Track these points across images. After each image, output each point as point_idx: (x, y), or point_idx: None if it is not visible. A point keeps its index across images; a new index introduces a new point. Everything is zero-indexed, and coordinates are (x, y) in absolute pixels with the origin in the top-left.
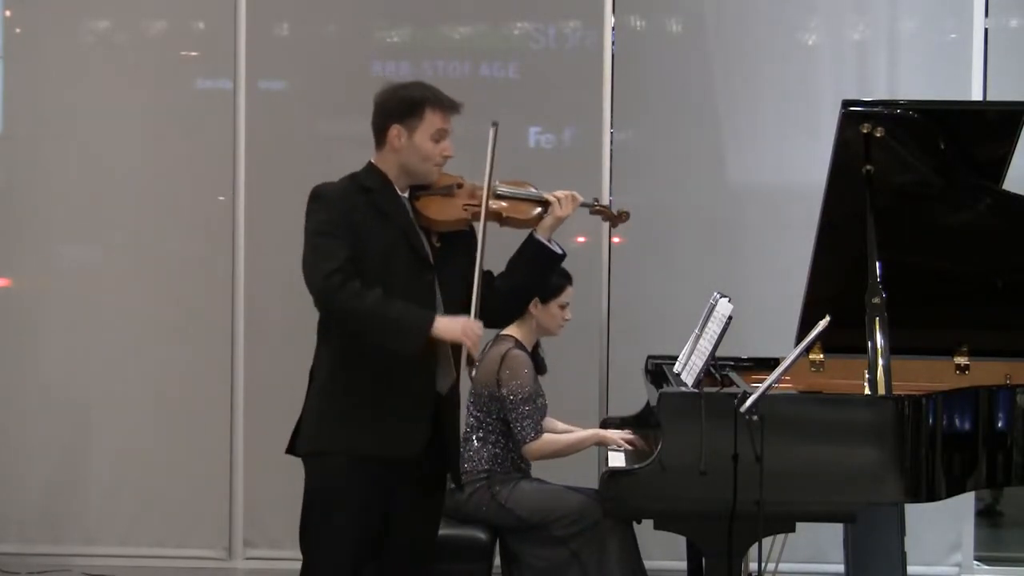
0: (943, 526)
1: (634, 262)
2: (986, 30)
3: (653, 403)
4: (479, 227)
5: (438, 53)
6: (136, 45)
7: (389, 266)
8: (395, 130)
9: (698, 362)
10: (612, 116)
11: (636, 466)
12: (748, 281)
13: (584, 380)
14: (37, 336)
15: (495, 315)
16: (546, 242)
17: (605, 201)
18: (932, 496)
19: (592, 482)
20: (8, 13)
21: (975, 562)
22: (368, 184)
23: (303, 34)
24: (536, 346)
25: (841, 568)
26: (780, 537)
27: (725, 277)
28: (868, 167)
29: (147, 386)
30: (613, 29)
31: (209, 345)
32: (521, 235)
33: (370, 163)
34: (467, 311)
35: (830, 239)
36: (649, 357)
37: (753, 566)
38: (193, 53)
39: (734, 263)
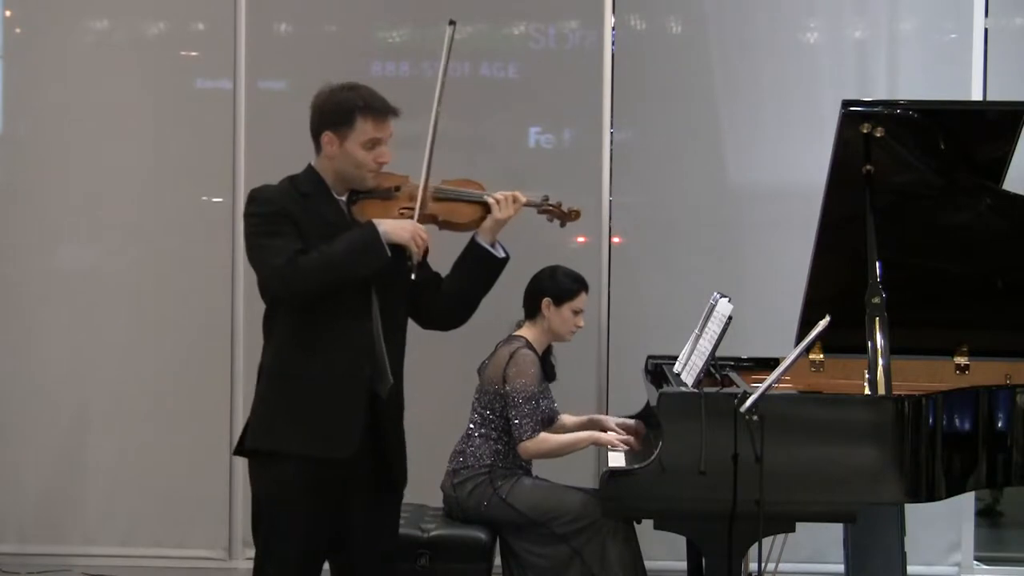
0: (943, 526)
1: (634, 262)
2: (986, 30)
3: (653, 403)
4: None
5: (438, 53)
6: (136, 45)
7: None
8: (327, 137)
9: (698, 362)
10: (612, 116)
11: (636, 466)
12: (748, 281)
13: (584, 380)
14: (37, 336)
15: (440, 319)
16: (488, 246)
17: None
18: (932, 496)
19: (591, 482)
20: (8, 13)
21: (975, 562)
22: (305, 189)
23: (303, 34)
24: (548, 351)
25: (841, 568)
26: (780, 537)
27: (725, 277)
28: (868, 167)
29: (147, 386)
30: (613, 29)
31: (209, 345)
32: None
33: (309, 166)
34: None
35: (830, 239)
36: (649, 357)
37: (753, 566)
38: (193, 53)
39: (734, 263)
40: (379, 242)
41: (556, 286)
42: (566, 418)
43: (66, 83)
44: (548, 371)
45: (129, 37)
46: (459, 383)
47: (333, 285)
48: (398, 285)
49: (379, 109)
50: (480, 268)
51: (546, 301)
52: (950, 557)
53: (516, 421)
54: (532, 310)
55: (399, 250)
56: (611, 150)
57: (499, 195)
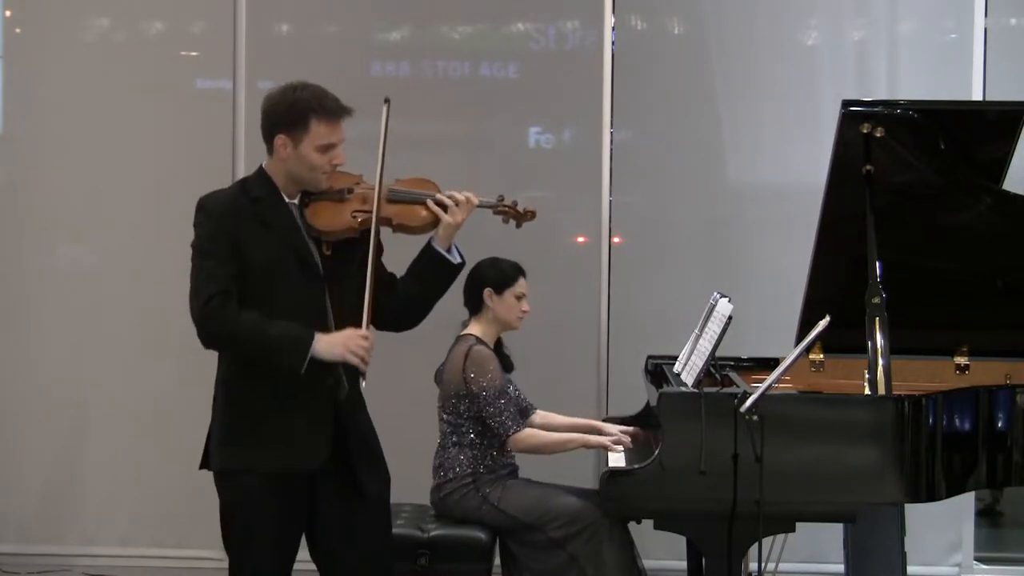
0: (943, 526)
1: (634, 262)
2: (986, 30)
3: (653, 403)
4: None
5: (438, 53)
6: (136, 45)
7: (275, 279)
8: (280, 139)
9: (698, 362)
10: (612, 116)
11: (636, 466)
12: (748, 281)
13: (584, 380)
14: (37, 336)
15: (395, 320)
16: (443, 251)
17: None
18: (932, 496)
19: (591, 482)
20: (8, 13)
21: (975, 562)
22: (255, 193)
23: (303, 34)
24: (499, 344)
25: (841, 568)
26: (780, 537)
27: (725, 277)
28: (868, 167)
29: (147, 386)
30: (613, 29)
31: None
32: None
33: (261, 168)
34: (359, 321)
35: (830, 239)
36: (649, 357)
37: (753, 566)
38: (193, 53)
39: (734, 263)
40: (302, 354)
41: (495, 274)
42: (555, 417)
43: (66, 83)
44: (505, 363)
45: (129, 37)
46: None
47: (235, 353)
48: (351, 289)
49: (333, 111)
50: (435, 273)
51: (488, 291)
52: (950, 557)
53: (497, 419)
54: (476, 304)
55: (350, 248)
56: (611, 150)
57: (455, 196)
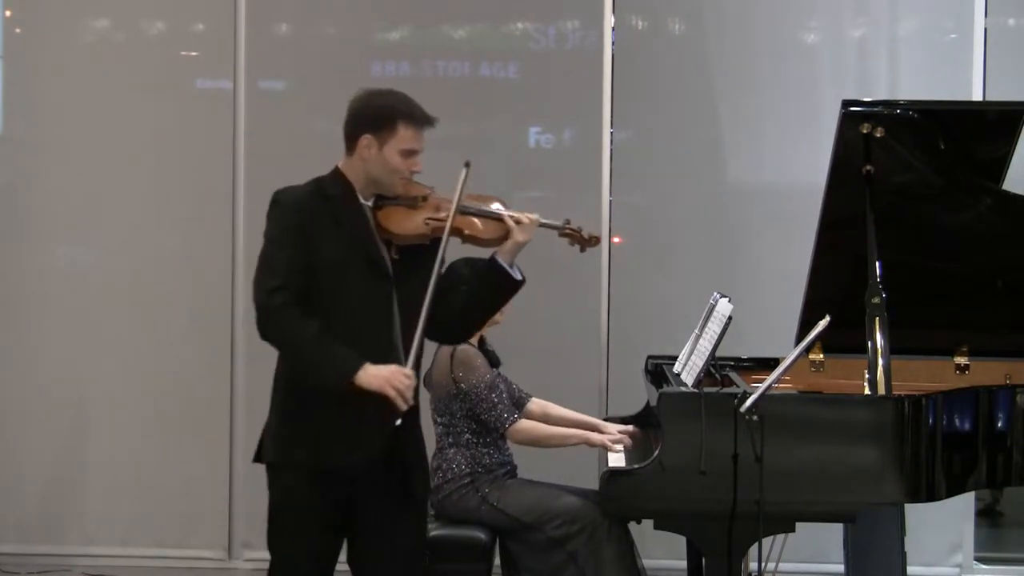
0: (943, 526)
1: (634, 262)
2: (986, 30)
3: (653, 403)
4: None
5: (438, 53)
6: (136, 45)
7: (344, 277)
8: (365, 140)
9: (698, 362)
10: (612, 116)
11: (636, 466)
12: (748, 281)
13: (584, 380)
14: (37, 336)
15: (449, 331)
16: (507, 267)
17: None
18: (932, 496)
19: (591, 482)
20: (8, 13)
21: (975, 562)
22: (330, 191)
23: (303, 34)
24: (482, 341)
25: (841, 568)
26: (780, 537)
27: (725, 277)
28: (868, 167)
29: (147, 386)
30: (613, 29)
31: (209, 344)
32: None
33: (336, 168)
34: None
35: (830, 239)
36: (649, 357)
37: (753, 566)
38: (193, 53)
39: (734, 263)
40: (350, 378)
41: (471, 274)
42: (553, 407)
43: (66, 83)
44: (491, 358)
45: (129, 37)
46: None
47: (286, 355)
48: (418, 292)
49: (420, 119)
50: (496, 287)
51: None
52: (951, 558)
53: (492, 414)
54: None
55: (417, 254)
56: (611, 150)
57: (521, 216)
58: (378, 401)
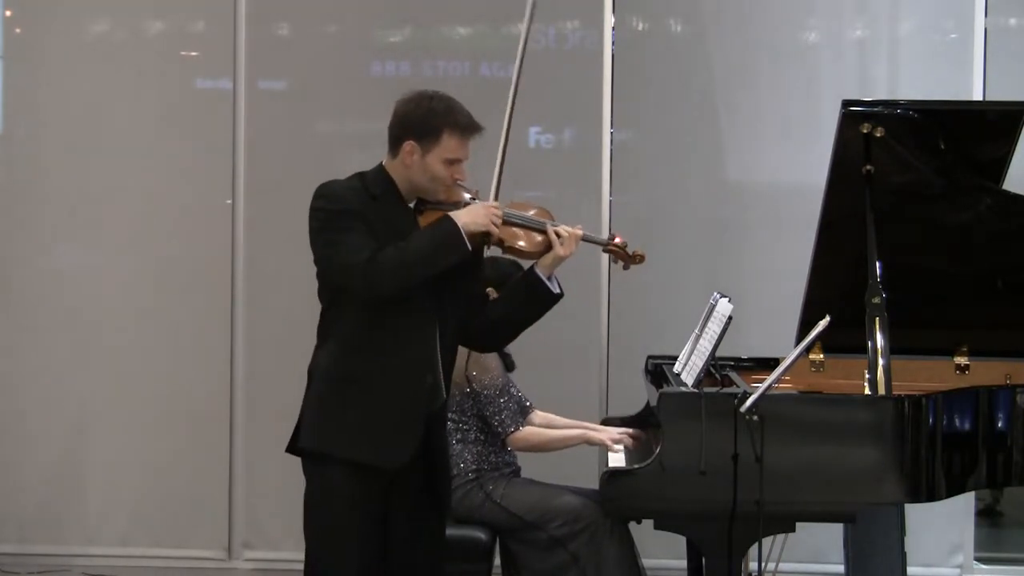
0: (943, 526)
1: None
2: (986, 30)
3: (653, 403)
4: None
5: (438, 53)
6: (136, 45)
7: None
8: (409, 145)
9: (698, 362)
10: (612, 116)
11: (636, 466)
12: (748, 281)
13: (584, 380)
14: (37, 336)
15: (482, 340)
16: (545, 280)
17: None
18: (932, 496)
19: (591, 482)
20: (8, 13)
21: (975, 562)
22: (374, 190)
23: (303, 34)
24: None
25: (841, 568)
26: (780, 537)
27: (725, 277)
28: (868, 167)
29: (147, 386)
30: (613, 29)
31: (209, 344)
32: None
33: (381, 166)
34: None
35: (830, 239)
36: (649, 357)
37: (753, 566)
38: (193, 53)
39: (734, 263)
40: (460, 235)
41: (494, 274)
42: (555, 418)
43: (66, 83)
44: (507, 361)
45: (129, 37)
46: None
47: (413, 282)
48: (461, 296)
49: (466, 127)
50: (533, 299)
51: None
52: (951, 558)
53: (497, 418)
54: None
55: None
56: (611, 150)
57: (562, 230)
58: (414, 395)
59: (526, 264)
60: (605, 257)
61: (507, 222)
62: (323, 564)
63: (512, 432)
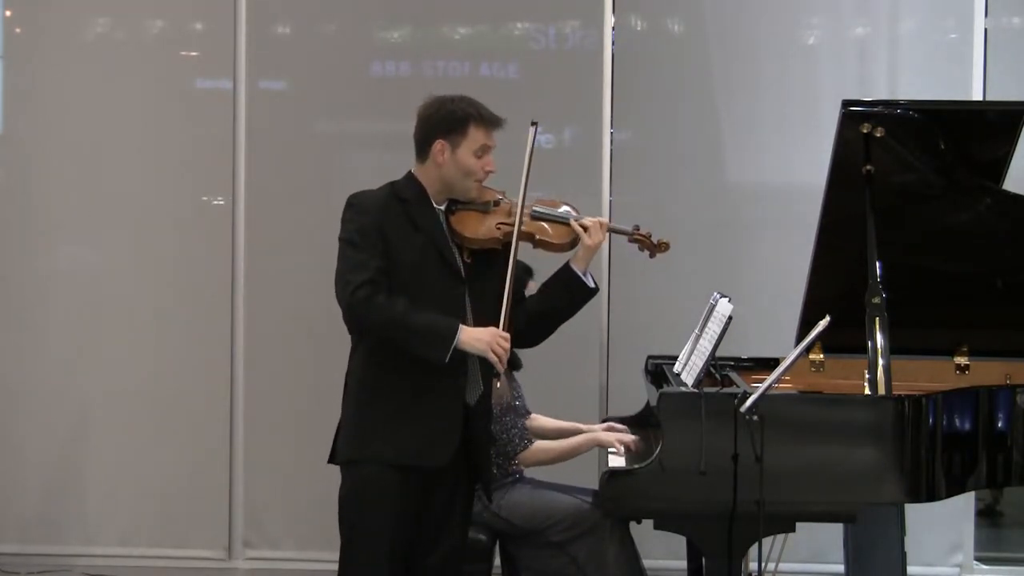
0: (943, 526)
1: (634, 262)
2: (986, 30)
3: (653, 403)
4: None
5: (438, 53)
6: (136, 45)
7: (420, 278)
8: (439, 145)
9: (698, 362)
10: (612, 116)
11: (636, 466)
12: (748, 281)
13: (584, 380)
14: (37, 336)
15: (521, 337)
16: (581, 274)
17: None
18: (932, 496)
19: (591, 482)
20: (8, 13)
21: (975, 562)
22: (405, 195)
23: (303, 34)
24: None
25: (841, 568)
26: (780, 537)
27: (725, 277)
28: (868, 167)
29: (147, 386)
30: (613, 29)
31: (209, 344)
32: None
33: (410, 173)
34: (498, 324)
35: (830, 239)
36: (649, 357)
37: (753, 566)
38: (193, 53)
39: (734, 263)
40: (449, 344)
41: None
42: (544, 420)
43: (66, 83)
44: (513, 362)
45: (129, 37)
46: None
47: (387, 336)
48: (489, 293)
49: (490, 119)
50: (569, 294)
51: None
52: (951, 557)
53: (504, 436)
54: None
55: (489, 258)
56: (611, 150)
57: (588, 221)
58: (453, 398)
59: (558, 258)
60: (605, 258)
61: (535, 217)
62: (356, 564)
63: (520, 451)
